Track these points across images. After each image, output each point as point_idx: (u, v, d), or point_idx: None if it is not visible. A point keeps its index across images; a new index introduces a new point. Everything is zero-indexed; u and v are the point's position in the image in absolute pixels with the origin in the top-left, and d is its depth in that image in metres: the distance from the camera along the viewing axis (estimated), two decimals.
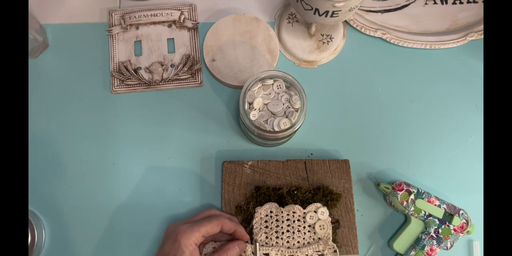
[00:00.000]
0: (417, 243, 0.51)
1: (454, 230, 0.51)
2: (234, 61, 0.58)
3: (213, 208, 0.51)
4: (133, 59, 0.59)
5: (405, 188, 0.52)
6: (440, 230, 0.51)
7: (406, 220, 0.54)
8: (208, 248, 0.47)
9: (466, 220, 0.51)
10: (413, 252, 0.51)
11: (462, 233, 0.51)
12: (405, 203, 0.51)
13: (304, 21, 0.60)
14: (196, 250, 0.43)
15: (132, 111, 0.58)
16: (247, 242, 0.48)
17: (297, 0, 0.48)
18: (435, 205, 0.51)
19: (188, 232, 0.43)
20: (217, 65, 0.58)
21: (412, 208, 0.51)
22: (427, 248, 0.51)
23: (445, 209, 0.51)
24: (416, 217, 0.52)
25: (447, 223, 0.51)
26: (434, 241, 0.51)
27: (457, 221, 0.51)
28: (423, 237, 0.51)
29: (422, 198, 0.51)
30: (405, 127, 0.58)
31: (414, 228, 0.52)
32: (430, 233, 0.51)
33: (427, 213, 0.51)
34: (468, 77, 0.60)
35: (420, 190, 0.52)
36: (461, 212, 0.51)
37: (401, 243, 0.52)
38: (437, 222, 0.51)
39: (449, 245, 0.51)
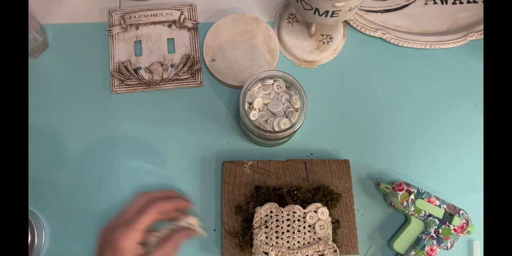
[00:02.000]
0: (417, 243, 0.51)
1: (454, 230, 0.51)
2: (234, 61, 0.58)
3: (144, 192, 0.45)
4: (133, 59, 0.59)
5: (405, 188, 0.51)
6: (440, 230, 0.51)
7: (406, 220, 0.54)
8: (153, 240, 0.43)
9: (466, 220, 0.51)
10: (413, 252, 0.51)
11: (462, 233, 0.51)
12: (405, 203, 0.51)
13: (304, 21, 0.60)
14: (139, 248, 0.41)
15: (132, 111, 0.58)
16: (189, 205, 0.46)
17: (297, 0, 0.48)
18: (435, 205, 0.51)
19: (126, 236, 0.40)
20: (217, 65, 0.58)
21: (412, 208, 0.51)
22: (427, 248, 0.51)
23: (445, 209, 0.51)
24: (416, 217, 0.52)
25: (447, 223, 0.51)
26: (434, 241, 0.51)
27: (457, 221, 0.51)
28: (423, 237, 0.51)
29: (422, 198, 0.51)
30: (405, 127, 0.58)
31: (414, 228, 0.52)
32: (430, 233, 0.51)
33: (427, 213, 0.51)
34: (468, 77, 0.60)
35: (420, 190, 0.52)
36: (461, 212, 0.51)
37: (401, 243, 0.52)
38: (437, 222, 0.51)
39: (449, 245, 0.51)
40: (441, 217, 0.51)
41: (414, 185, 0.53)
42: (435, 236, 0.51)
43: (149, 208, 0.42)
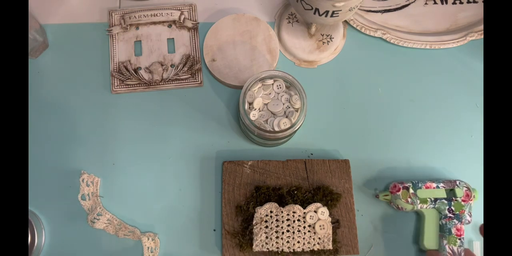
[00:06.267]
0: (443, 230, 0.51)
1: (463, 200, 0.51)
2: (234, 61, 0.58)
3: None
4: (133, 59, 0.59)
5: (401, 187, 0.52)
6: (453, 208, 0.51)
7: (419, 217, 0.54)
8: None
9: (467, 187, 0.52)
10: (445, 241, 0.50)
11: (471, 200, 0.51)
12: (409, 199, 0.51)
13: (304, 21, 0.60)
14: None
15: (132, 111, 0.58)
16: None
17: (297, 0, 0.48)
18: (434, 188, 0.52)
19: None
20: (217, 65, 0.58)
21: (418, 201, 0.51)
22: (454, 230, 0.50)
23: (443, 187, 0.51)
24: (426, 208, 0.52)
25: (453, 198, 0.51)
26: (455, 220, 0.51)
27: (460, 192, 0.51)
28: (444, 222, 0.51)
29: (420, 188, 0.52)
30: (405, 127, 0.58)
31: (431, 219, 0.52)
32: (447, 215, 0.51)
33: (432, 199, 0.51)
34: (468, 77, 0.60)
35: (414, 182, 0.52)
36: (457, 182, 0.52)
37: (429, 239, 0.52)
38: (445, 202, 0.51)
39: (469, 218, 0.51)
40: (445, 196, 0.51)
41: (406, 180, 0.53)
42: (452, 216, 0.51)
43: None
